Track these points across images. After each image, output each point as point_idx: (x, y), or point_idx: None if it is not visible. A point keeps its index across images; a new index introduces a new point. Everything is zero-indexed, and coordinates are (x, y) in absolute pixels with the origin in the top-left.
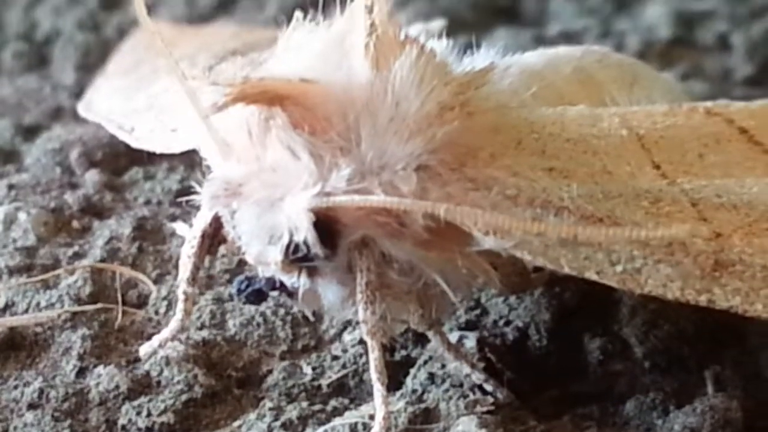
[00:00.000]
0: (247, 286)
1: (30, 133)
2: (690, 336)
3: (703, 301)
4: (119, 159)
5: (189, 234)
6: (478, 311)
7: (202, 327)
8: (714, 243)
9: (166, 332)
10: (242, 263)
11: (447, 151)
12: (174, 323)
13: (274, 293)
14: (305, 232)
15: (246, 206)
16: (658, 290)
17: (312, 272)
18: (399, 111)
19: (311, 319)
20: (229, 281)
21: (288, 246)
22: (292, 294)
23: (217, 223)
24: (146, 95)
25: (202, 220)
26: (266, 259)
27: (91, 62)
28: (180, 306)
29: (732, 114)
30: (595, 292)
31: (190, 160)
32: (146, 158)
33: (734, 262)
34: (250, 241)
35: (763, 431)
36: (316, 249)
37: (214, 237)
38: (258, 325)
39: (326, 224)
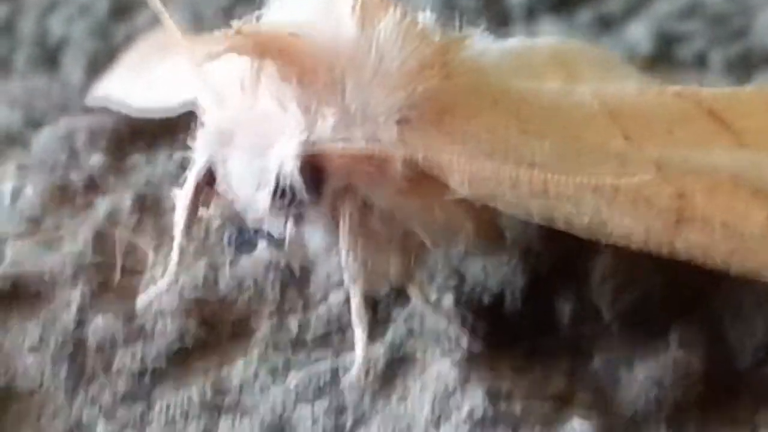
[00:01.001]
0: (237, 236)
1: (38, 124)
2: (657, 301)
3: (665, 253)
4: (123, 145)
5: (183, 188)
6: (455, 278)
7: (195, 287)
8: (677, 201)
9: (162, 283)
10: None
11: (426, 107)
12: (169, 275)
13: (263, 243)
14: (292, 177)
15: (237, 154)
16: (623, 241)
17: (298, 219)
18: (382, 66)
19: (297, 273)
20: (223, 248)
21: (275, 191)
22: (279, 244)
23: (209, 176)
24: (150, 77)
25: (195, 173)
26: (255, 205)
27: (100, 66)
28: (174, 258)
29: (701, 96)
30: (568, 260)
31: (190, 148)
32: (148, 145)
33: (696, 218)
34: (241, 188)
35: (722, 386)
36: (302, 194)
37: (207, 188)
38: (248, 287)
39: (312, 171)
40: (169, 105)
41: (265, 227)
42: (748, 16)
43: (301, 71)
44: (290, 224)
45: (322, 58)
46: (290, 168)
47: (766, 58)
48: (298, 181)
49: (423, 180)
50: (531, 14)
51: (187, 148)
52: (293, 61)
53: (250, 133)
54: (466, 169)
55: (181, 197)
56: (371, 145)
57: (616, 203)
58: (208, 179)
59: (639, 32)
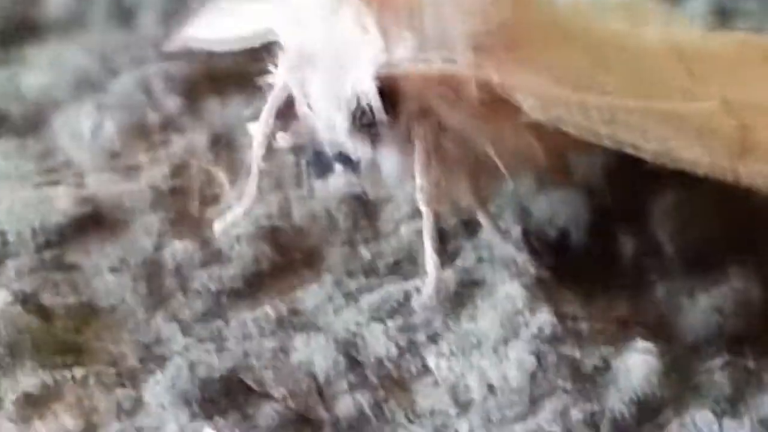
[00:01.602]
0: (316, 160)
1: (115, 72)
2: (717, 240)
3: (729, 178)
4: (198, 90)
5: (263, 112)
6: (522, 213)
7: (270, 216)
8: (740, 132)
9: (239, 209)
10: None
11: (501, 35)
12: (247, 198)
13: (340, 167)
14: (370, 97)
15: (317, 76)
16: (689, 166)
17: (375, 141)
18: None
19: (371, 197)
20: (297, 184)
21: (355, 112)
22: (355, 168)
23: (289, 100)
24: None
25: (275, 95)
26: (333, 127)
27: (174, 21)
28: (253, 182)
29: (765, 44)
30: (630, 198)
31: (263, 93)
32: (223, 90)
33: (759, 149)
34: (320, 109)
35: None
36: (380, 114)
37: (286, 113)
38: (321, 217)
39: (390, 93)
40: (249, 36)
41: (343, 150)
42: None
43: None
44: (367, 146)
45: None
46: (369, 88)
47: None
48: (376, 102)
49: (496, 104)
50: None
51: (260, 94)
52: None
53: (330, 55)
54: (538, 93)
55: (261, 120)
56: (447, 67)
57: (682, 132)
58: (288, 102)
59: (698, 6)
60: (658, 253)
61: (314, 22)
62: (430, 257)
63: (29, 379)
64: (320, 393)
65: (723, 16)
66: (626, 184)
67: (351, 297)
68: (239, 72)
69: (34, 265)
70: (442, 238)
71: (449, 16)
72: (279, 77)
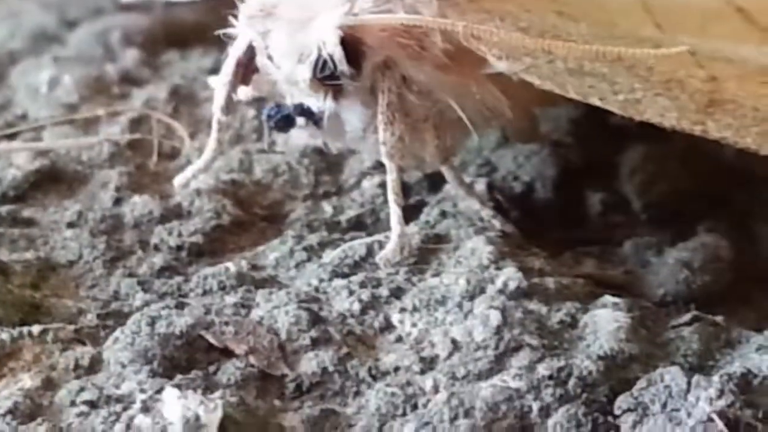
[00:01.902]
0: (277, 112)
1: (73, 24)
2: (686, 194)
3: (697, 131)
4: (157, 43)
5: (223, 65)
6: (487, 168)
7: (230, 171)
8: (709, 84)
9: (199, 162)
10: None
11: None
12: (207, 152)
13: (301, 120)
14: (333, 48)
15: (279, 27)
16: (656, 119)
17: (337, 94)
18: None
19: (334, 151)
20: (257, 138)
21: (316, 63)
22: (317, 121)
23: (250, 52)
24: None
25: (236, 49)
26: (296, 78)
27: None
28: (213, 135)
29: None
30: (598, 153)
31: (223, 46)
32: (182, 43)
33: (727, 102)
34: (282, 61)
35: (749, 274)
36: (343, 66)
37: (247, 66)
38: (283, 171)
39: (352, 45)
40: None
41: (305, 103)
42: None
43: None
44: (329, 98)
45: None
46: (332, 39)
47: None
48: (338, 53)
49: (461, 55)
50: None
51: (220, 47)
52: None
53: (292, 5)
54: (503, 42)
55: (221, 73)
56: (411, 17)
57: (651, 83)
58: (249, 55)
59: None
60: (625, 208)
61: None
62: (393, 212)
63: None
64: (282, 350)
65: None
66: (593, 139)
67: (313, 252)
68: (199, 24)
69: None
70: (405, 192)
71: None
72: (240, 29)
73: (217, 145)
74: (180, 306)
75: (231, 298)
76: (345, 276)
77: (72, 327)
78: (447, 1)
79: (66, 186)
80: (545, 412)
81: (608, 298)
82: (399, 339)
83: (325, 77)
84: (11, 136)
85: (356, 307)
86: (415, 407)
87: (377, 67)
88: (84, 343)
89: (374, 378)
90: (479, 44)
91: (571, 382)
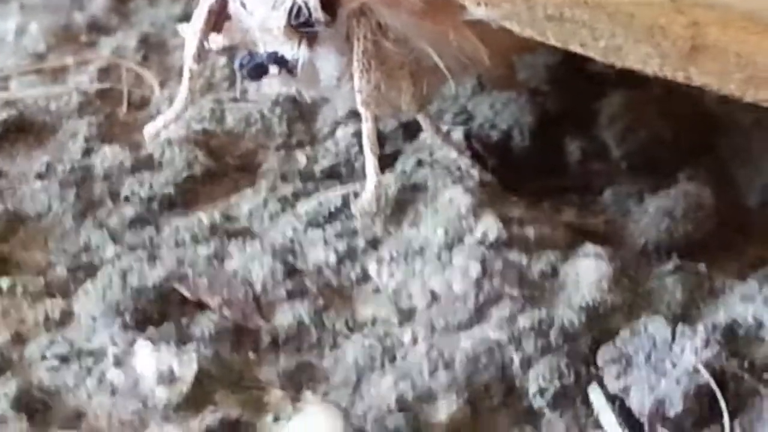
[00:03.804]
0: (249, 61)
1: None
2: (666, 141)
3: (680, 78)
4: None
5: (194, 12)
6: (464, 116)
7: (201, 120)
8: (691, 29)
9: (170, 112)
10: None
11: None
12: (178, 102)
13: (275, 68)
14: None
15: None
16: (638, 65)
17: (312, 42)
18: None
19: (307, 99)
20: (229, 86)
21: (291, 10)
22: (291, 69)
23: None
24: None
25: None
26: (269, 25)
27: None
28: (185, 84)
29: None
30: (576, 101)
31: None
32: None
33: (709, 47)
34: (255, 8)
35: (731, 222)
36: (317, 13)
37: (219, 13)
38: (255, 121)
39: None
40: None
41: (278, 51)
42: None
43: None
44: (304, 46)
45: None
46: None
47: None
48: (313, 0)
49: (438, 1)
50: None
51: None
52: None
53: None
54: None
55: (192, 20)
56: None
57: (632, 30)
58: (221, 2)
59: None
60: (605, 156)
61: None
62: (369, 161)
63: None
64: (257, 302)
65: None
66: (572, 86)
67: (287, 203)
68: None
69: None
70: (381, 141)
71: None
72: None
73: (188, 95)
74: (152, 258)
75: (204, 250)
76: (320, 226)
77: (42, 280)
78: None
79: (34, 136)
80: (527, 363)
81: (589, 248)
82: (376, 290)
83: (299, 24)
84: None
85: (332, 258)
86: (393, 359)
87: (352, 13)
88: (54, 296)
89: (351, 330)
90: None
91: (553, 333)
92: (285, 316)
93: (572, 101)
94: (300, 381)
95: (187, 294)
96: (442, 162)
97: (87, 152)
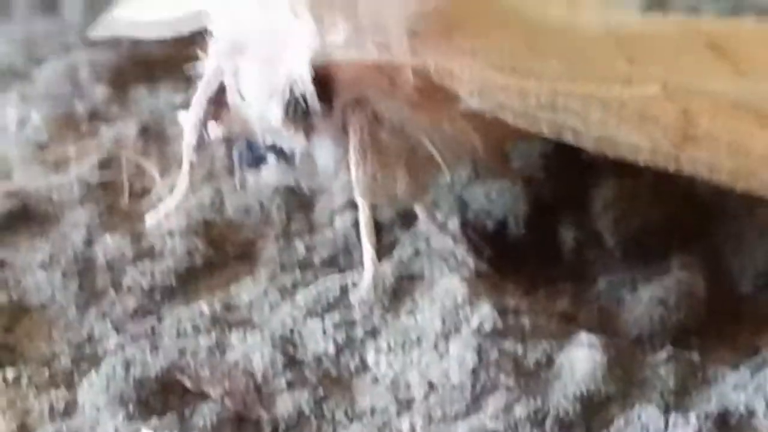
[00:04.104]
0: (248, 150)
1: (40, 60)
2: (658, 231)
3: (672, 166)
4: (125, 78)
5: (193, 102)
6: (459, 204)
7: (202, 209)
8: (682, 118)
9: (170, 201)
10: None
11: (437, 20)
12: (179, 191)
13: (273, 158)
14: (304, 86)
15: (250, 64)
16: (630, 154)
17: (309, 131)
18: None
19: (305, 189)
20: (229, 176)
21: (288, 101)
22: (289, 159)
23: (220, 89)
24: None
25: (206, 86)
26: (267, 117)
27: (99, 8)
28: (184, 173)
29: (702, 27)
30: (570, 189)
31: (193, 81)
32: (151, 78)
33: (701, 136)
34: (252, 99)
35: (724, 310)
36: (314, 103)
37: (218, 103)
38: (254, 210)
39: (324, 82)
40: (178, 22)
41: (276, 141)
42: None
43: None
44: (301, 136)
45: None
46: (303, 77)
47: (755, 9)
48: (310, 91)
49: (433, 92)
50: None
51: (190, 81)
52: None
53: (262, 42)
54: (475, 79)
55: (191, 110)
56: (382, 54)
57: (623, 118)
58: (219, 91)
59: None
60: (599, 244)
61: (246, 7)
62: (366, 250)
63: None
64: (258, 391)
65: None
66: (565, 174)
67: (287, 292)
68: (168, 59)
69: None
70: (378, 230)
71: (384, 2)
72: (210, 65)
73: (189, 184)
74: (154, 348)
75: (205, 340)
76: (319, 316)
77: (47, 370)
78: (418, 38)
79: (37, 226)
80: None
81: (583, 337)
82: (375, 380)
83: (296, 115)
84: None
85: (331, 348)
86: None
87: (348, 104)
88: (58, 387)
89: (351, 420)
90: (451, 81)
91: (548, 422)
92: (285, 406)
93: (566, 189)
94: None
95: (188, 385)
96: (438, 251)
97: (89, 242)
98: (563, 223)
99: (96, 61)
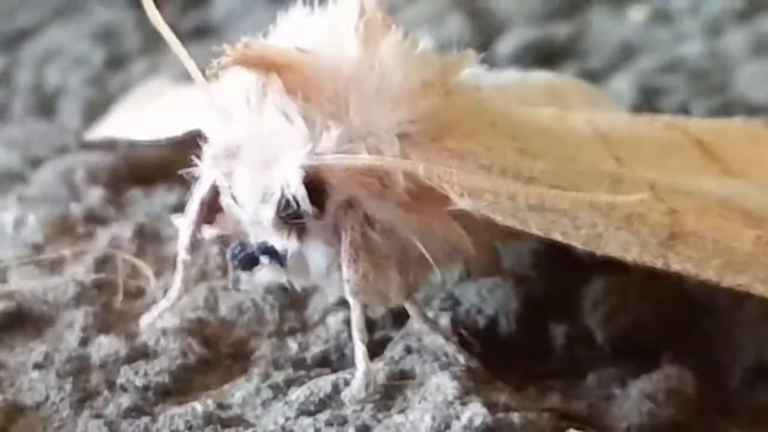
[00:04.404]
0: (241, 251)
1: (37, 163)
2: (648, 327)
3: (659, 264)
4: (121, 181)
5: (188, 204)
6: (451, 301)
7: (195, 308)
8: (670, 217)
9: (165, 301)
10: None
11: (427, 123)
12: (173, 292)
13: (265, 259)
14: (296, 188)
15: (243, 167)
16: (618, 252)
17: (301, 233)
18: (384, 83)
19: (298, 290)
20: (222, 275)
21: (280, 203)
22: (281, 260)
23: (214, 192)
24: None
25: (200, 189)
26: (260, 219)
27: (96, 113)
28: (178, 275)
29: (689, 127)
30: (560, 286)
31: (187, 183)
32: (146, 181)
33: (688, 234)
34: (245, 201)
35: (714, 405)
36: (306, 205)
37: (211, 205)
38: (248, 309)
39: (315, 185)
40: (173, 127)
41: (269, 242)
42: (727, 71)
43: (306, 86)
44: (293, 237)
45: (326, 73)
46: (295, 179)
47: (745, 108)
48: (302, 193)
49: (424, 194)
50: (516, 66)
51: (184, 183)
52: (299, 76)
53: (255, 146)
54: (465, 181)
55: (186, 212)
56: (373, 157)
57: (612, 219)
58: (213, 194)
59: (623, 85)
60: (589, 341)
61: (239, 112)
62: (358, 348)
63: None
64: None
65: (649, 94)
66: (556, 272)
67: (279, 390)
68: (162, 162)
69: None
70: (370, 328)
71: (375, 106)
72: (204, 169)
73: (183, 284)
74: None
75: None
76: (311, 414)
77: None
78: (409, 141)
79: (32, 327)
80: None
81: None
82: None
83: (288, 216)
84: None
85: None
86: None
87: (340, 206)
88: None
89: None
90: (441, 183)
91: None
92: None
93: (557, 287)
94: None
95: None
96: (429, 348)
97: (84, 342)
98: (554, 320)
99: (92, 164)
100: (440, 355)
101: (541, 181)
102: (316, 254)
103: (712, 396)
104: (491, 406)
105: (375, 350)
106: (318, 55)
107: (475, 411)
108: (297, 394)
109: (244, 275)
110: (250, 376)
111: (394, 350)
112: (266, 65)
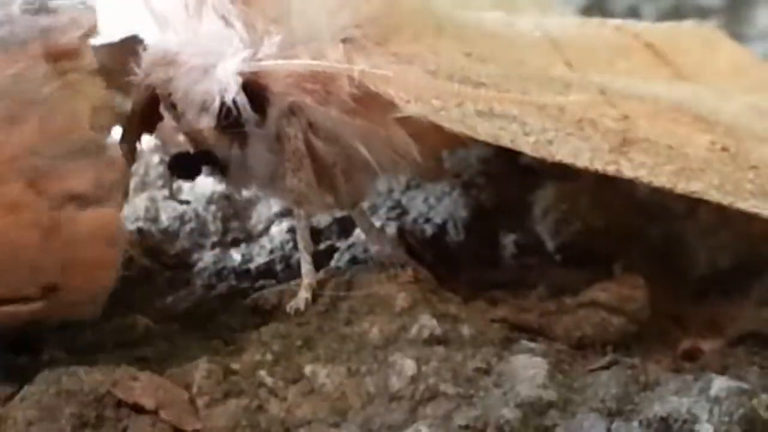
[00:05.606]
0: (181, 161)
1: None
2: (600, 233)
3: (611, 171)
4: None
5: (126, 112)
6: (398, 210)
7: (136, 219)
8: (622, 123)
9: None
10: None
11: (372, 27)
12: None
13: (207, 169)
14: (235, 95)
15: (182, 74)
16: (569, 159)
17: (242, 141)
18: None
19: (240, 199)
20: (162, 186)
21: (220, 111)
22: (223, 168)
23: (153, 100)
24: None
25: (138, 98)
26: (200, 126)
27: None
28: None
29: (639, 31)
30: (509, 194)
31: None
32: None
33: (641, 140)
34: (185, 109)
35: (666, 314)
36: (247, 113)
37: (150, 114)
38: (189, 219)
39: (257, 92)
40: (110, 34)
41: (209, 150)
42: None
43: None
44: (235, 146)
45: None
46: (234, 85)
47: (696, 11)
48: (241, 100)
49: (368, 99)
50: None
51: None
52: None
53: (194, 53)
54: (411, 86)
55: (126, 119)
56: (316, 62)
57: (562, 124)
58: (151, 104)
59: None
60: (539, 249)
61: (177, 18)
62: (303, 259)
63: None
64: (193, 403)
65: None
66: (505, 179)
67: (223, 301)
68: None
69: None
70: (315, 238)
71: (317, 10)
72: (141, 76)
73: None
74: (91, 362)
75: (140, 352)
76: (256, 326)
77: None
78: (353, 45)
79: None
80: None
81: (524, 343)
82: (312, 390)
83: (229, 124)
84: None
85: (268, 357)
86: None
87: (282, 113)
88: None
89: (287, 431)
90: (386, 88)
91: (489, 430)
92: (221, 417)
93: (506, 194)
94: None
95: (123, 397)
96: (376, 258)
97: None
98: (503, 229)
99: None
100: (388, 265)
101: (489, 86)
102: (259, 163)
103: (665, 304)
104: (440, 317)
105: (321, 260)
106: None
107: (424, 322)
108: (242, 305)
109: (185, 186)
110: (192, 287)
111: (340, 260)
112: None
